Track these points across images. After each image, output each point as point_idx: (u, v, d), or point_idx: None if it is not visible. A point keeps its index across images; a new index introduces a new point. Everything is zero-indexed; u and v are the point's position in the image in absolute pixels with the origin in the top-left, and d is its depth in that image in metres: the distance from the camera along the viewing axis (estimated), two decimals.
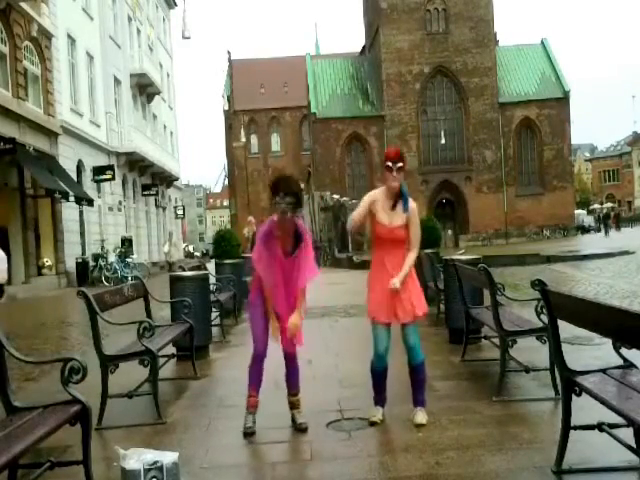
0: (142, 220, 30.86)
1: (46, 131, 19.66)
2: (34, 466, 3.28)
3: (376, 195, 4.23)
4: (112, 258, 22.02)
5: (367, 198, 4.21)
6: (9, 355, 3.22)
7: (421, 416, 4.15)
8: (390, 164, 4.11)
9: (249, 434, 4.13)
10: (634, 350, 2.88)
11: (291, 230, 4.11)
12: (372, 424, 4.17)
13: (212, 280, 8.57)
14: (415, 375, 4.24)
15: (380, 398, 4.30)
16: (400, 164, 4.13)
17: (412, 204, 4.20)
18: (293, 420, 4.29)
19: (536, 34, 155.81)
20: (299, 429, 4.20)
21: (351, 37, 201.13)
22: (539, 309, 4.50)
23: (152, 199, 32.94)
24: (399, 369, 4.53)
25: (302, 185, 40.46)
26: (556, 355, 3.36)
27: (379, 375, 4.25)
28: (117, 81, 27.82)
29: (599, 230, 51.75)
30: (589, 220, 56.13)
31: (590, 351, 5.77)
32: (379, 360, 4.20)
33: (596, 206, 74.78)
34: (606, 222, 45.05)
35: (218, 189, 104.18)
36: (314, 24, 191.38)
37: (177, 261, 22.27)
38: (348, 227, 4.27)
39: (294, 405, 4.34)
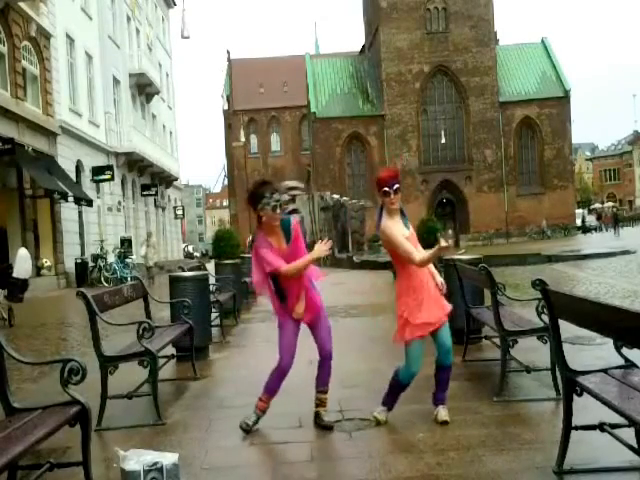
0: (141, 220, 30.84)
1: (45, 131, 19.65)
2: (34, 467, 3.27)
3: (389, 222, 4.14)
4: (111, 259, 22.00)
5: (396, 233, 4.06)
6: (8, 356, 3.20)
7: (444, 413, 4.17)
8: (388, 189, 4.06)
9: (247, 431, 4.12)
10: (635, 350, 2.87)
11: (278, 226, 4.09)
12: (377, 423, 4.17)
13: (212, 280, 8.55)
14: (443, 374, 4.24)
15: (391, 403, 4.28)
16: (397, 186, 4.09)
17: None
18: (319, 418, 4.23)
19: (536, 33, 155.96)
20: (326, 427, 4.15)
21: (351, 36, 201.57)
22: (540, 309, 4.49)
23: (151, 199, 32.93)
24: None
25: (302, 185, 40.29)
26: (557, 355, 3.35)
27: (404, 387, 4.22)
28: (116, 81, 27.81)
29: (600, 229, 51.60)
30: (591, 219, 55.81)
31: (591, 351, 5.76)
32: (409, 378, 4.16)
33: (597, 205, 74.73)
34: (616, 221, 44.29)
35: (218, 189, 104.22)
36: (313, 23, 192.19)
37: (155, 265, 21.78)
38: (418, 260, 4.02)
39: (322, 403, 4.28)
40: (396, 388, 4.23)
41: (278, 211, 4.01)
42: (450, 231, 3.97)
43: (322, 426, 4.17)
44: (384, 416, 4.21)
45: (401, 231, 4.11)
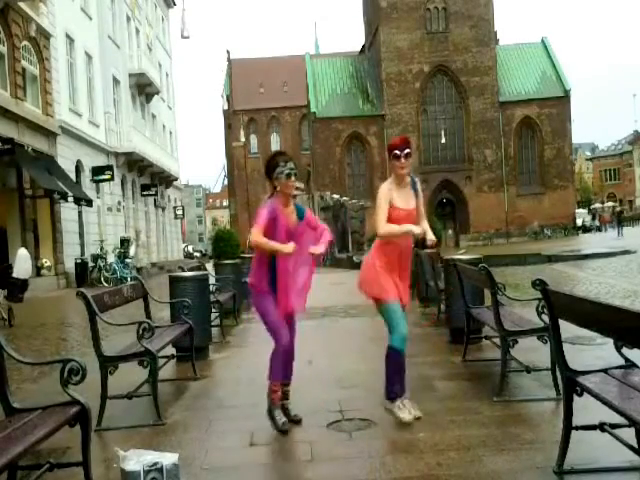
0: (141, 220, 30.84)
1: (45, 131, 19.64)
2: (34, 467, 3.26)
3: (388, 186, 4.24)
4: (111, 259, 21.99)
5: (383, 197, 4.17)
6: (8, 356, 3.20)
7: (408, 405, 4.23)
8: (398, 152, 4.15)
9: (284, 431, 4.08)
10: (636, 350, 2.87)
11: (292, 203, 4.19)
12: (417, 418, 4.14)
13: (212, 280, 8.54)
14: (390, 359, 4.22)
15: (402, 387, 4.22)
16: (408, 150, 4.18)
17: (419, 184, 4.36)
18: (286, 413, 4.25)
19: (536, 33, 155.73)
20: (294, 421, 4.19)
21: (351, 36, 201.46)
22: (540, 309, 4.48)
23: (151, 199, 32.92)
24: None
25: (302, 185, 40.31)
26: (557, 355, 3.35)
27: (403, 360, 4.17)
28: (116, 81, 27.80)
29: (599, 229, 51.45)
30: (587, 219, 55.53)
31: (591, 351, 5.76)
32: (403, 341, 4.09)
33: (597, 205, 74.69)
34: (620, 221, 43.88)
35: (218, 189, 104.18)
36: (313, 23, 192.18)
37: (153, 265, 21.37)
38: (381, 232, 4.13)
39: (286, 396, 4.31)
40: (395, 365, 4.16)
41: (292, 179, 4.11)
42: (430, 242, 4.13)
43: (292, 420, 4.19)
44: (410, 412, 4.15)
45: (395, 201, 4.15)
